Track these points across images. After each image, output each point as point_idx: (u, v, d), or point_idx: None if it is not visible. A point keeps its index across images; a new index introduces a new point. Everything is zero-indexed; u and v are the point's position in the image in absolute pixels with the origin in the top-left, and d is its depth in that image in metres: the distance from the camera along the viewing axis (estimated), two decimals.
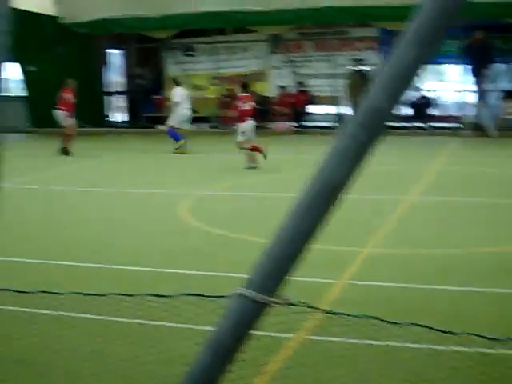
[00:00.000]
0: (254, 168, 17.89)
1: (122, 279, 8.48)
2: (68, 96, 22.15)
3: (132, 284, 7.81)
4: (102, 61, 31.37)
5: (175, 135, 21.73)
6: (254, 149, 18.15)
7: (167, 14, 26.49)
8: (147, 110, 30.45)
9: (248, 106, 19.00)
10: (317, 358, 5.58)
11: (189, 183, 16.38)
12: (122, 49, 32.32)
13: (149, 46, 30.55)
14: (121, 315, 5.95)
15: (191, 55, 29.82)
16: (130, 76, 31.96)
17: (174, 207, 13.66)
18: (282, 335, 6.10)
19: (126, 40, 31.25)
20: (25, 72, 29.15)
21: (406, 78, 2.02)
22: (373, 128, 2.05)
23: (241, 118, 18.99)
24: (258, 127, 27.65)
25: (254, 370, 5.44)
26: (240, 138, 18.46)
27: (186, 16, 26.43)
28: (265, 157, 17.76)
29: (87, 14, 27.43)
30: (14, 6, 3.02)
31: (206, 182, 16.23)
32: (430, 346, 5.01)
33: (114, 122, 31.43)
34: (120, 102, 32.52)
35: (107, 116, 31.48)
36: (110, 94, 31.86)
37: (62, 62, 28.67)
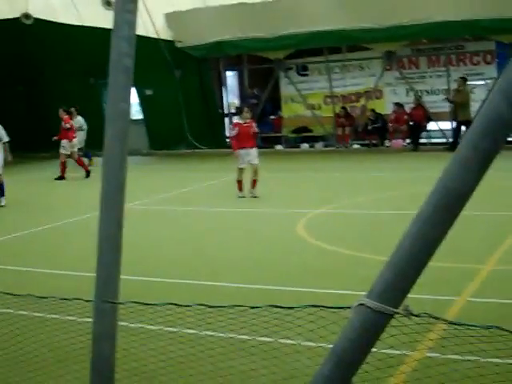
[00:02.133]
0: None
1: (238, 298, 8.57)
2: None
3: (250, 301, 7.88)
4: (220, 82, 31.83)
5: None
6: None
7: (281, 35, 26.70)
8: (264, 130, 30.47)
9: None
10: (439, 378, 5.51)
11: (306, 201, 16.46)
12: (238, 70, 32.72)
13: (263, 66, 30.84)
14: (243, 332, 6.03)
15: (305, 75, 29.98)
16: (245, 96, 32.30)
17: (293, 225, 13.77)
18: (403, 351, 6.07)
19: (241, 61, 31.64)
20: (141, 96, 29.83)
21: None
22: (495, 136, 2.05)
23: None
24: (374, 145, 27.82)
25: None
26: None
27: (300, 36, 26.58)
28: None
29: (203, 37, 27.90)
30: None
31: (323, 200, 16.24)
32: None
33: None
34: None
35: (227, 137, 31.87)
36: (230, 115, 32.15)
37: (180, 85, 29.30)
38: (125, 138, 3.13)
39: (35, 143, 30.04)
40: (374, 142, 28.28)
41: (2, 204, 17.57)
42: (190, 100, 29.44)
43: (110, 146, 3.12)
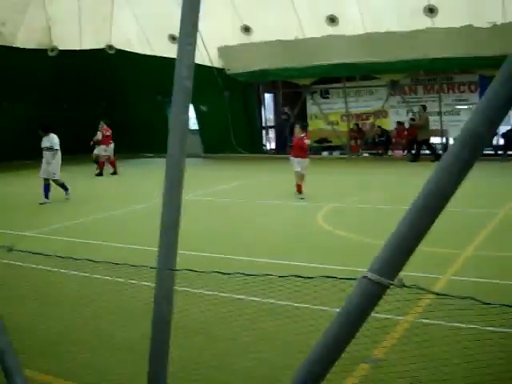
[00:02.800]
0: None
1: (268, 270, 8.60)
2: None
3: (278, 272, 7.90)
4: (259, 102, 31.97)
5: None
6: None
7: (309, 66, 26.66)
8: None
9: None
10: (424, 337, 5.51)
11: (325, 197, 16.46)
12: (273, 93, 32.80)
13: (294, 90, 30.84)
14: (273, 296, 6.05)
15: (327, 97, 30.02)
16: (279, 114, 32.47)
17: (314, 215, 13.79)
18: (397, 317, 6.06)
19: (276, 86, 31.74)
20: (198, 111, 30.09)
21: (498, 108, 2.02)
22: (472, 148, 2.06)
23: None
24: (379, 154, 27.82)
25: (372, 345, 5.45)
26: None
27: (324, 67, 26.54)
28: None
29: (247, 66, 27.97)
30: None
31: (338, 196, 16.21)
32: None
33: (268, 149, 31.93)
34: (271, 134, 33.02)
35: (264, 145, 32.04)
36: (266, 128, 32.44)
37: (228, 103, 29.58)
38: (184, 143, 3.16)
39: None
40: (380, 152, 28.25)
41: (67, 197, 17.42)
42: (236, 115, 29.64)
43: (172, 149, 3.15)
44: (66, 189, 17.45)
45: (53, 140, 16.92)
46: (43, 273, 8.21)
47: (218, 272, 3.38)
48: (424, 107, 26.43)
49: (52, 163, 16.84)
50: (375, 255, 2.34)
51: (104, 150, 24.11)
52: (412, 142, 26.70)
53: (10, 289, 7.04)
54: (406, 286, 2.33)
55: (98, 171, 24.17)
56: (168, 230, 3.07)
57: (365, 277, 2.32)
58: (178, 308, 3.31)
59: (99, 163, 24.24)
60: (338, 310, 2.49)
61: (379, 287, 2.29)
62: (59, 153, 17.09)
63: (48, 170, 16.91)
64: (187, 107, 3.19)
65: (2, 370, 3.66)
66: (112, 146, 24.30)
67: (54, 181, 17.17)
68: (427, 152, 26.58)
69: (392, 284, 2.28)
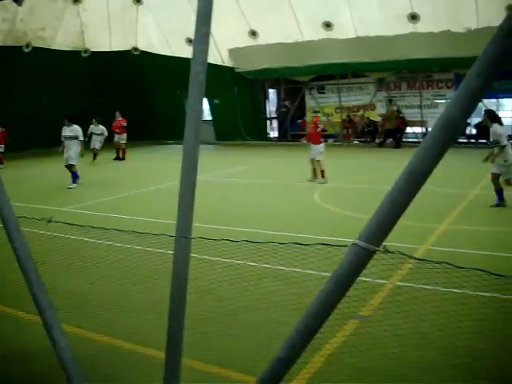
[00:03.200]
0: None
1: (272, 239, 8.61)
2: None
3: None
4: (264, 96, 31.93)
5: None
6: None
7: (307, 65, 26.66)
8: (292, 129, 30.94)
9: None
10: (406, 297, 5.53)
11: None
12: (277, 88, 32.68)
13: (294, 86, 30.73)
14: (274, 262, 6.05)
15: (323, 92, 29.89)
16: (280, 106, 32.37)
17: (311, 194, 13.79)
18: (382, 280, 6.07)
19: (279, 82, 31.63)
20: (211, 104, 30.09)
21: (470, 98, 2.01)
22: (448, 132, 2.05)
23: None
24: (368, 142, 27.78)
25: (361, 304, 5.47)
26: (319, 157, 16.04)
27: (321, 66, 26.51)
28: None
29: (253, 65, 27.97)
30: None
31: (333, 177, 16.17)
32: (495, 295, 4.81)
33: (271, 137, 31.87)
34: (274, 124, 32.96)
35: (268, 133, 31.99)
36: (269, 118, 32.43)
37: (237, 97, 29.56)
38: (198, 130, 3.15)
39: (138, 134, 30.47)
40: (368, 139, 28.21)
41: (71, 187, 16.04)
42: (244, 107, 29.62)
43: (188, 136, 3.14)
44: (75, 177, 16.37)
45: (78, 131, 16.49)
46: (77, 242, 8.25)
47: (227, 240, 3.39)
48: (390, 101, 26.73)
49: (71, 149, 16.31)
50: (364, 226, 2.35)
51: (121, 139, 24.22)
52: (385, 132, 26.82)
53: (49, 256, 7.06)
54: (389, 252, 2.33)
55: (116, 156, 24.33)
56: (185, 205, 3.07)
57: (354, 244, 2.32)
58: (192, 272, 3.31)
59: (118, 150, 24.36)
60: (330, 274, 2.50)
61: (367, 253, 2.29)
62: (80, 143, 16.55)
63: (66, 157, 16.40)
64: (201, 99, 3.17)
65: (43, 324, 3.69)
66: (125, 134, 24.38)
67: (69, 166, 16.37)
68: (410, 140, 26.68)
69: (377, 250, 2.28)
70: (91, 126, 22.84)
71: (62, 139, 16.65)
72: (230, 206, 12.77)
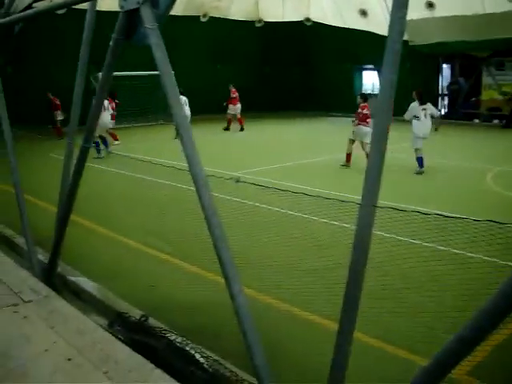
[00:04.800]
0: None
1: None
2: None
3: None
4: (437, 72, 30.77)
5: None
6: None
7: (485, 39, 25.23)
8: (465, 108, 29.55)
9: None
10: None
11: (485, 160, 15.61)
12: (451, 63, 31.30)
13: (469, 62, 29.26)
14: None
15: (502, 69, 28.14)
16: (452, 83, 30.97)
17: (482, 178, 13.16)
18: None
19: (454, 57, 30.25)
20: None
21: None
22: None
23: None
24: None
25: None
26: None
27: (499, 40, 24.98)
28: None
29: (428, 39, 27.00)
30: None
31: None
32: None
33: (441, 115, 30.72)
34: (445, 101, 31.65)
35: (439, 110, 30.88)
36: (442, 95, 31.23)
37: (409, 71, 28.74)
38: (391, 100, 3.15)
39: (308, 105, 30.87)
40: None
41: (102, 156, 16.31)
42: (415, 83, 28.73)
43: (380, 106, 3.15)
44: (101, 148, 16.60)
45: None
46: (248, 206, 8.57)
47: (418, 212, 3.35)
48: None
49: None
50: None
51: (233, 109, 24.50)
52: None
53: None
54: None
55: (226, 127, 24.66)
56: (373, 173, 3.09)
57: None
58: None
59: (229, 121, 24.68)
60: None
61: None
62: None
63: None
64: (396, 69, 3.14)
65: (225, 279, 3.89)
66: (238, 105, 24.47)
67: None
68: None
69: None
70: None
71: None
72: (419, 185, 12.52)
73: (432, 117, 14.32)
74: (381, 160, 3.09)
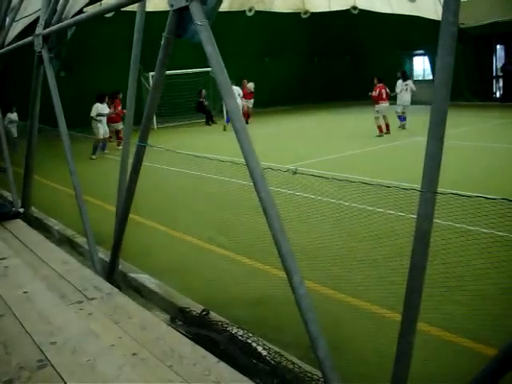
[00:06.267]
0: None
1: None
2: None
3: None
4: (491, 53, 29.86)
5: None
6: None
7: None
8: None
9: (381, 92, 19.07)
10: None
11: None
12: (506, 44, 30.33)
13: None
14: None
15: None
16: (507, 64, 30.00)
17: None
18: None
19: (508, 37, 29.33)
20: (433, 63, 28.99)
21: None
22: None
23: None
24: None
25: None
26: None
27: None
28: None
29: (479, 20, 26.31)
30: None
31: None
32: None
33: (497, 97, 29.83)
34: (500, 83, 30.69)
35: (494, 93, 29.98)
36: (496, 77, 30.29)
37: (461, 55, 27.95)
38: (448, 83, 3.06)
39: (356, 94, 30.55)
40: None
41: (93, 158, 17.49)
42: (468, 66, 28.07)
43: (438, 91, 3.08)
44: (98, 150, 17.82)
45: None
46: (297, 197, 8.56)
47: (482, 197, 3.27)
48: None
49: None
50: None
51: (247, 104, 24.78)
52: None
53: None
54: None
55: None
56: (433, 160, 3.03)
57: None
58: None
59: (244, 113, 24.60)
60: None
61: None
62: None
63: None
64: (453, 51, 3.05)
65: (285, 271, 3.89)
66: (251, 101, 25.08)
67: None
68: None
69: None
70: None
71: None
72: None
73: (411, 90, 19.44)
74: (440, 147, 3.03)
